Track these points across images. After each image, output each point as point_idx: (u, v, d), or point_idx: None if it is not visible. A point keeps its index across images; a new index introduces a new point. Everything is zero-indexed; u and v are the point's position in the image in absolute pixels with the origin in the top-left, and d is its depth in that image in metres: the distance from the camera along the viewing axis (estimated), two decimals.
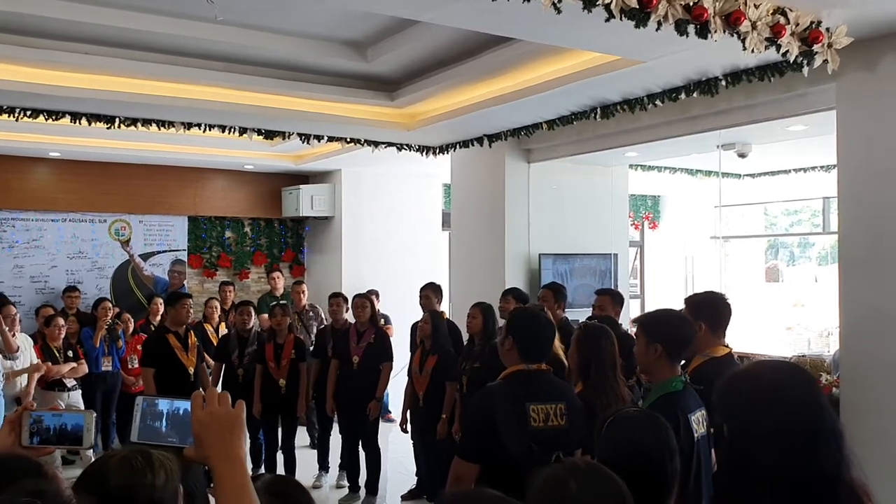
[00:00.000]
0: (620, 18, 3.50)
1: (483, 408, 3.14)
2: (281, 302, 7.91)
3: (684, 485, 2.72)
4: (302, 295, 8.89)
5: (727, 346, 3.65)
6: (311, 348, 7.37)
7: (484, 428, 3.03)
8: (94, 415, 1.78)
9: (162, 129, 6.56)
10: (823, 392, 1.87)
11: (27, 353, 6.80)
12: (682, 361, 3.25)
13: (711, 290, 3.91)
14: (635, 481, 1.83)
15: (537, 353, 3.20)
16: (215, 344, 7.62)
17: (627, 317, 7.70)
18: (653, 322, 3.16)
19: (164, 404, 1.64)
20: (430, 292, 6.85)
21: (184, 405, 1.61)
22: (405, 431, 6.49)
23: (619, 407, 2.55)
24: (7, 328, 6.42)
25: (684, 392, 2.96)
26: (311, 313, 8.73)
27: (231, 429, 1.50)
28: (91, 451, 7.10)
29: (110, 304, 8.03)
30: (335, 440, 7.05)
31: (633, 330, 6.61)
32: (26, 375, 6.69)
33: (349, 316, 7.04)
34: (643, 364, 3.18)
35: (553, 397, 3.13)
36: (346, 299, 7.12)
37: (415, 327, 6.97)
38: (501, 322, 4.96)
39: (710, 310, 3.65)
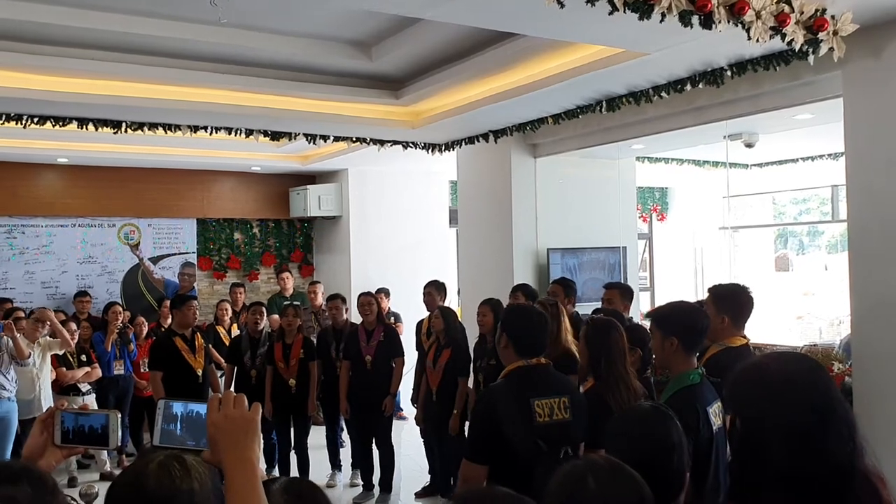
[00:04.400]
0: (624, 11, 3.49)
1: (486, 408, 3.14)
2: (294, 303, 7.94)
3: (704, 477, 2.72)
4: (318, 294, 8.90)
5: (745, 337, 3.65)
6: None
7: (489, 428, 3.03)
8: (119, 415, 1.78)
9: (168, 132, 6.58)
10: (834, 382, 1.84)
11: (48, 355, 6.85)
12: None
13: (735, 282, 3.90)
14: (649, 474, 1.83)
15: (534, 348, 3.19)
16: (227, 346, 7.65)
17: (637, 310, 7.70)
18: (666, 316, 3.15)
19: (178, 407, 1.65)
20: (432, 290, 6.86)
21: (198, 407, 1.62)
22: (420, 427, 6.52)
23: (636, 404, 2.54)
24: (18, 335, 6.45)
25: (702, 385, 2.95)
26: (327, 312, 8.73)
27: (245, 432, 1.51)
28: (106, 454, 7.20)
29: (120, 308, 8.06)
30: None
31: (644, 323, 6.63)
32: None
33: (350, 316, 7.07)
34: (661, 359, 3.17)
35: (556, 391, 3.13)
36: (344, 300, 7.14)
37: (419, 325, 6.98)
38: None
39: (734, 302, 3.65)
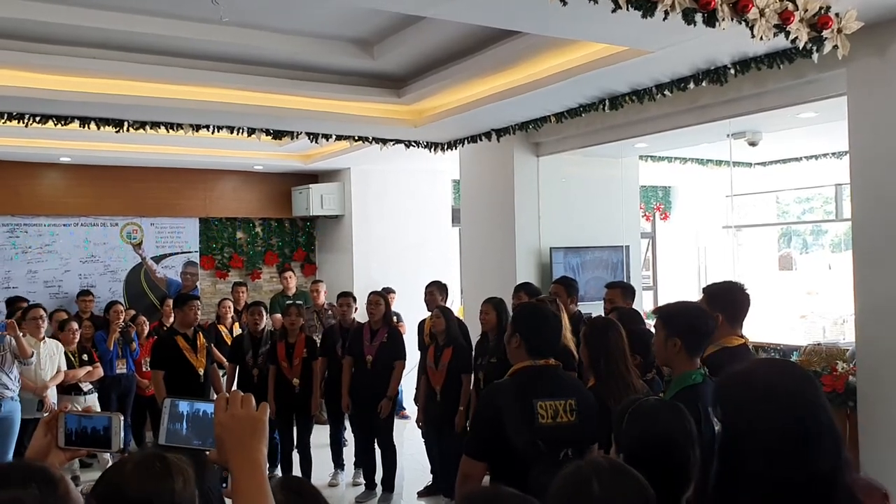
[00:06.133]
0: (627, 9, 3.47)
1: (489, 405, 3.11)
2: (297, 302, 7.93)
3: (705, 477, 2.70)
4: (320, 293, 8.90)
5: (743, 337, 3.61)
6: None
7: (490, 425, 3.00)
8: (122, 417, 1.77)
9: (170, 131, 6.58)
10: (823, 392, 1.81)
11: (56, 358, 6.83)
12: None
13: (730, 279, 3.86)
14: (659, 471, 1.82)
15: (545, 348, 3.16)
16: (229, 345, 7.64)
17: (640, 309, 7.67)
18: (673, 315, 3.13)
19: (184, 406, 1.63)
20: (434, 289, 6.86)
21: (204, 406, 1.60)
22: (421, 428, 6.50)
23: (637, 396, 2.51)
24: (21, 333, 6.44)
25: (704, 384, 2.93)
26: (329, 311, 8.73)
27: (252, 432, 1.49)
28: (109, 454, 7.19)
29: (122, 307, 8.06)
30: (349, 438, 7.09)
31: (652, 321, 6.59)
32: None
33: (357, 315, 7.05)
34: (661, 357, 3.15)
35: (563, 393, 3.09)
36: (354, 299, 7.16)
37: (421, 325, 6.96)
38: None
39: (727, 300, 3.60)
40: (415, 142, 7.60)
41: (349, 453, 7.14)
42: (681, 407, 2.19)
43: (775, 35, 3.83)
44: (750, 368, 1.83)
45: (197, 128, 6.60)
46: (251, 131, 6.74)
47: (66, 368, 6.93)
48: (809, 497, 1.62)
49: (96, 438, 1.75)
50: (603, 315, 4.97)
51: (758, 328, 6.58)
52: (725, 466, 1.73)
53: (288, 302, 8.12)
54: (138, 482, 1.49)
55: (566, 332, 4.60)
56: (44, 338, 6.77)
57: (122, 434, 1.75)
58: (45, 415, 1.78)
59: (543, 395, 3.04)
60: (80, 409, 1.80)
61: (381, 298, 6.65)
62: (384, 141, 7.47)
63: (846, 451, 1.70)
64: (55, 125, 6.16)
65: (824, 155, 9.51)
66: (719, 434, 2.65)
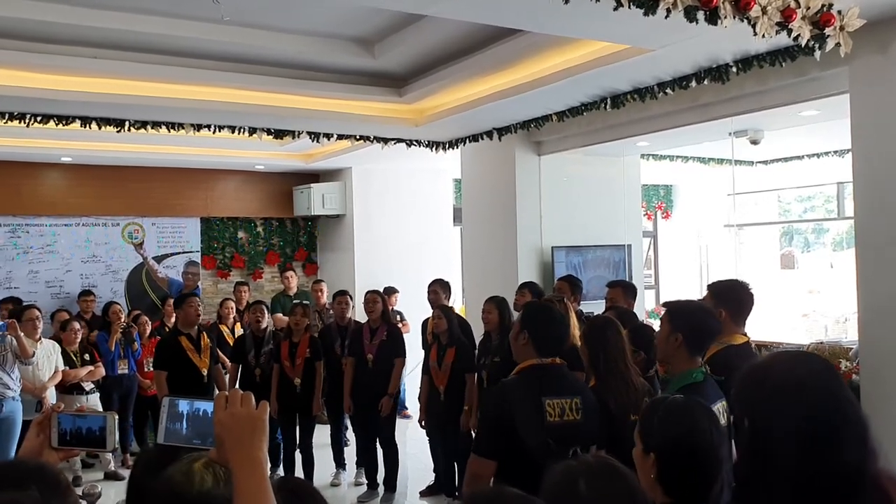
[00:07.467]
0: (629, 6, 3.46)
1: (498, 403, 3.11)
2: (304, 302, 7.93)
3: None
4: (322, 293, 8.90)
5: (745, 335, 3.62)
6: None
7: (500, 424, 3.00)
8: (116, 416, 1.77)
9: (172, 131, 6.57)
10: (844, 383, 1.79)
11: (53, 358, 6.82)
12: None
13: (736, 278, 3.87)
14: (694, 468, 1.85)
15: (552, 347, 3.17)
16: (231, 344, 7.64)
17: (642, 308, 7.66)
18: (680, 311, 3.12)
19: (183, 405, 1.62)
20: (437, 288, 6.84)
21: (204, 405, 1.60)
22: (424, 428, 6.50)
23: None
24: (21, 333, 6.43)
25: (705, 383, 2.93)
26: (331, 311, 8.73)
27: (252, 431, 1.48)
28: (111, 454, 7.18)
29: (120, 308, 8.04)
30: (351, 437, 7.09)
31: (652, 319, 6.57)
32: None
33: (354, 314, 7.04)
34: (662, 351, 3.14)
35: (568, 391, 3.10)
36: (351, 297, 7.15)
37: (425, 324, 6.96)
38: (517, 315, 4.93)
39: (732, 297, 3.61)
40: (416, 141, 7.59)
41: (350, 453, 7.14)
42: (705, 404, 2.18)
43: (777, 33, 3.82)
44: (770, 363, 1.81)
45: (198, 127, 6.60)
46: (252, 131, 6.74)
47: (64, 367, 6.93)
48: (836, 489, 1.61)
49: (91, 438, 1.74)
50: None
51: (759, 327, 6.56)
52: (750, 463, 1.71)
53: (295, 301, 8.11)
54: (202, 483, 1.49)
55: (574, 330, 4.59)
56: (40, 338, 6.74)
57: (117, 434, 1.75)
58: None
59: (551, 394, 3.05)
60: (77, 406, 1.80)
61: (378, 297, 6.65)
62: (385, 140, 7.46)
63: (873, 440, 1.68)
64: (56, 125, 6.16)
65: (826, 153, 9.50)
66: (741, 430, 2.64)
